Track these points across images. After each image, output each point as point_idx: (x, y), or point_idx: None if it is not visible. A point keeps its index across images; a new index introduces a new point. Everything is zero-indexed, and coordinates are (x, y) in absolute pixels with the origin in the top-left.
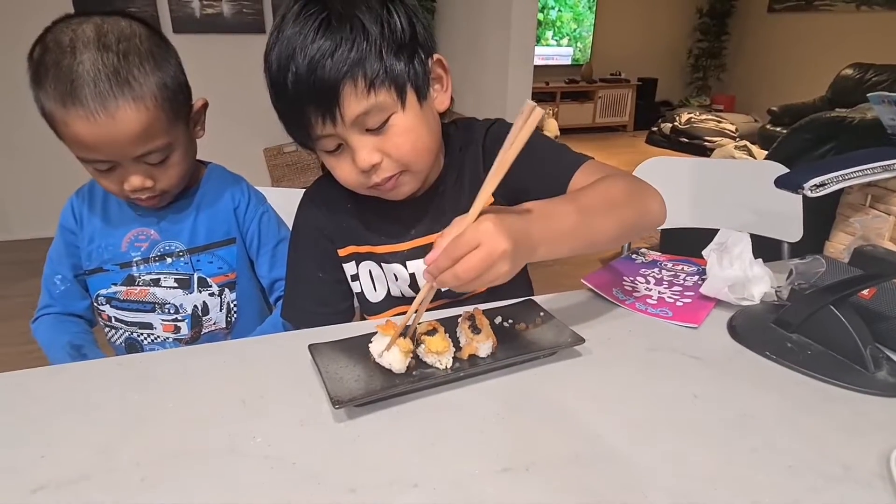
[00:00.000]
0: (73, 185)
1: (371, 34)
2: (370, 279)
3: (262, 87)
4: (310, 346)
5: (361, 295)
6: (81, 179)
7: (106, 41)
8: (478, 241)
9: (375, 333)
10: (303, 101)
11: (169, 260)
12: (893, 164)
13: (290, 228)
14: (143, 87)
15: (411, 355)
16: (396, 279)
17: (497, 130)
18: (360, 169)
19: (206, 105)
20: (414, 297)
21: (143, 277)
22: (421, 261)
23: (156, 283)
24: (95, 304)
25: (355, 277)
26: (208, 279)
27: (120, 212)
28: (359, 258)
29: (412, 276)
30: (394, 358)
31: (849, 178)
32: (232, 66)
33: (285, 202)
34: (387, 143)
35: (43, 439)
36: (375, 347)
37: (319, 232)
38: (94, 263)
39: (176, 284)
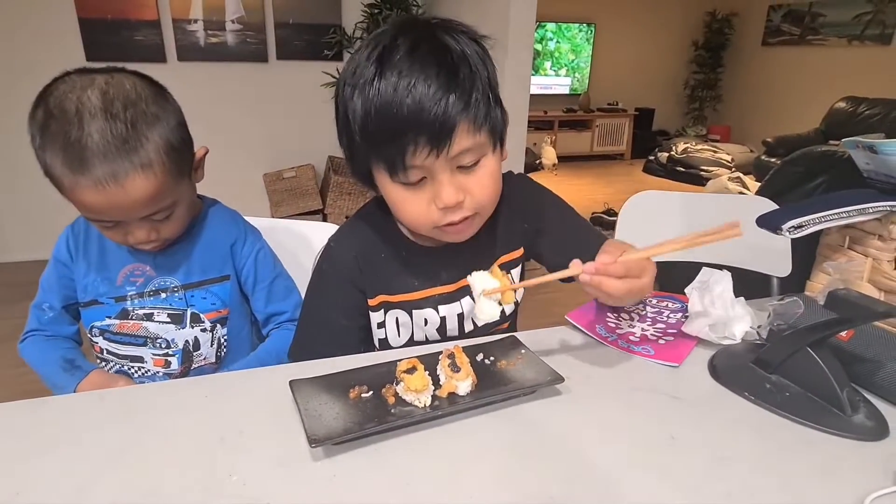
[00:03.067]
0: (71, 208)
1: (483, 77)
2: (395, 326)
3: (263, 114)
4: (290, 381)
5: (384, 341)
6: None
7: (113, 110)
8: (646, 272)
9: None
10: (413, 130)
11: (163, 295)
12: (869, 208)
13: (314, 272)
14: (150, 153)
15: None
16: (426, 324)
17: (521, 186)
18: (444, 205)
19: (206, 153)
20: (439, 341)
21: (136, 312)
22: (456, 304)
23: (149, 317)
24: (89, 335)
25: (381, 325)
26: (201, 315)
27: (116, 247)
28: (388, 306)
29: (443, 319)
30: (490, 308)
31: (826, 221)
32: (235, 94)
33: (283, 233)
34: (473, 182)
35: (20, 476)
36: (477, 283)
37: (351, 283)
38: (89, 296)
39: (169, 319)
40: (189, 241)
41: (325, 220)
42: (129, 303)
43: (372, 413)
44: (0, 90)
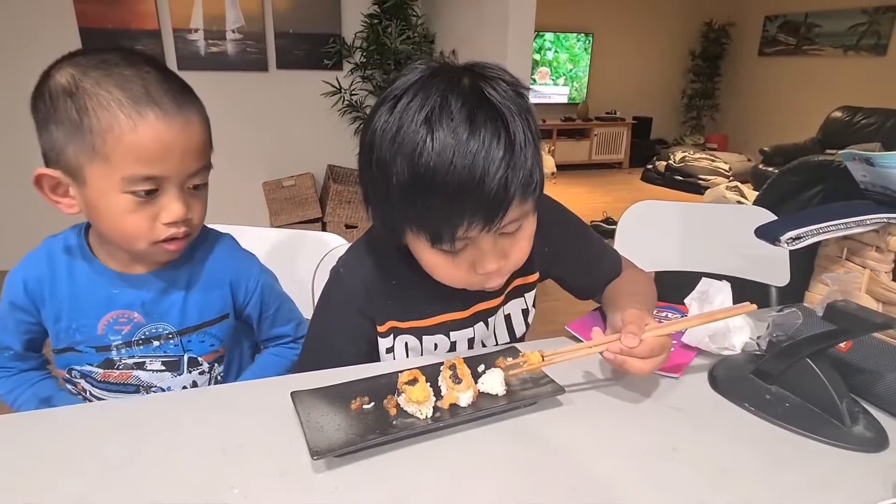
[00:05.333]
0: (51, 219)
1: (534, 144)
2: (405, 350)
3: (262, 123)
4: (292, 393)
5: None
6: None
7: (161, 65)
8: (666, 348)
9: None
10: (470, 207)
11: (156, 343)
12: (866, 220)
13: (322, 297)
14: (199, 103)
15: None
16: (436, 348)
17: (540, 207)
18: (486, 271)
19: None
20: None
21: (124, 361)
22: (468, 329)
23: (140, 366)
24: (68, 375)
25: (390, 350)
26: (199, 358)
27: (91, 290)
28: (398, 332)
29: (453, 343)
30: (496, 384)
31: (824, 232)
32: (234, 103)
33: (282, 242)
34: (513, 246)
35: (20, 489)
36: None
37: (360, 312)
38: (63, 343)
39: (163, 367)
40: (182, 281)
41: (324, 228)
42: (114, 353)
43: (373, 425)
44: None
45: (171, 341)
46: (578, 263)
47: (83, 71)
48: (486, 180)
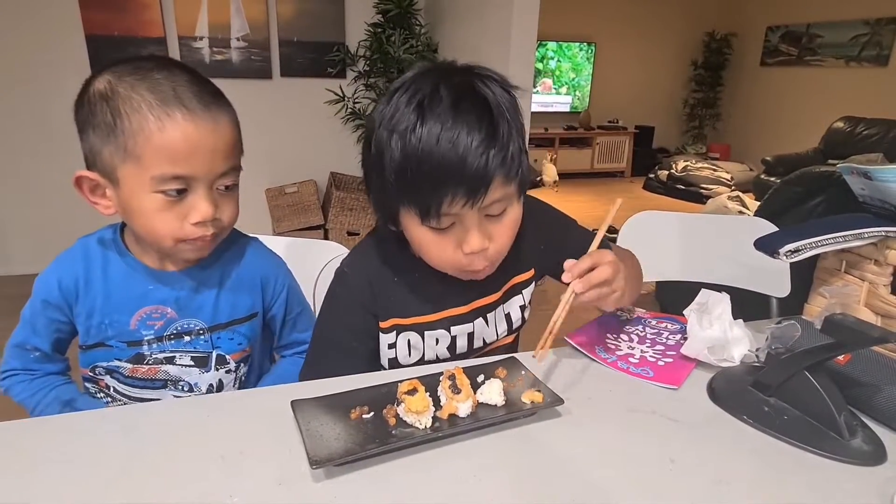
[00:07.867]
0: (75, 221)
1: (517, 131)
2: (407, 346)
3: (266, 130)
4: (292, 402)
5: (394, 360)
6: (85, 216)
7: (194, 71)
8: (604, 259)
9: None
10: (453, 181)
11: (187, 338)
12: (864, 233)
13: (327, 297)
14: (230, 106)
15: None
16: (437, 343)
17: (531, 208)
18: (471, 250)
19: None
20: (449, 359)
21: (154, 356)
22: (468, 325)
23: (169, 360)
24: (91, 373)
25: (392, 346)
26: (227, 356)
27: (125, 286)
28: (400, 329)
29: (454, 338)
30: (495, 395)
31: (822, 245)
32: (238, 110)
33: (284, 249)
34: (498, 230)
35: (22, 494)
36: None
37: (363, 308)
38: (94, 339)
39: (192, 363)
40: (215, 279)
41: (326, 235)
42: (145, 347)
43: (373, 434)
44: (6, 106)
45: (202, 337)
46: (572, 257)
47: (119, 77)
48: (469, 158)
